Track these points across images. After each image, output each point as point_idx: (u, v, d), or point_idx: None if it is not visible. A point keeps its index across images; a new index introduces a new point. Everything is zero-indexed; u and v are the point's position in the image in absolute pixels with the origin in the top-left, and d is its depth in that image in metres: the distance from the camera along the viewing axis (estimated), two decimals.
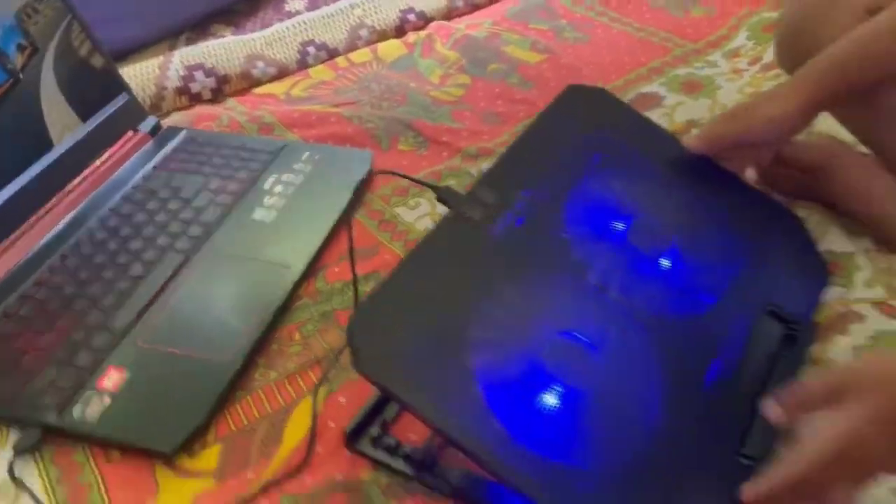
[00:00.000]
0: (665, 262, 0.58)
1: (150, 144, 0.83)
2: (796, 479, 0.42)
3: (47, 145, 0.74)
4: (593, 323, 0.53)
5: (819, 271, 0.62)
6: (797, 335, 0.56)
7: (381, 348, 0.46)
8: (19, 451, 0.54)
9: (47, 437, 0.55)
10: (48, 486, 0.53)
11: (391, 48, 1.02)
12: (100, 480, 0.53)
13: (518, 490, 0.44)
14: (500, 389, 0.48)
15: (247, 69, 0.96)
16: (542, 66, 0.95)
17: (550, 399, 0.48)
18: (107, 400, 0.56)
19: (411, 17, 1.06)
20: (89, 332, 0.61)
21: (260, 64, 0.97)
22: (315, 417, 0.55)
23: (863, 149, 0.67)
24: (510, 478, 0.44)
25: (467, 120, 0.87)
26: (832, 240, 0.64)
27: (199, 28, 1.02)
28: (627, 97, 0.87)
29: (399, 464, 0.52)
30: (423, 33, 1.04)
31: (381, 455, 0.52)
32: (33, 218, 0.72)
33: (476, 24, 1.05)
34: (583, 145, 0.62)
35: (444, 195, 0.56)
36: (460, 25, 1.05)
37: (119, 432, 0.54)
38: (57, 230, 0.72)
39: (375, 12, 1.05)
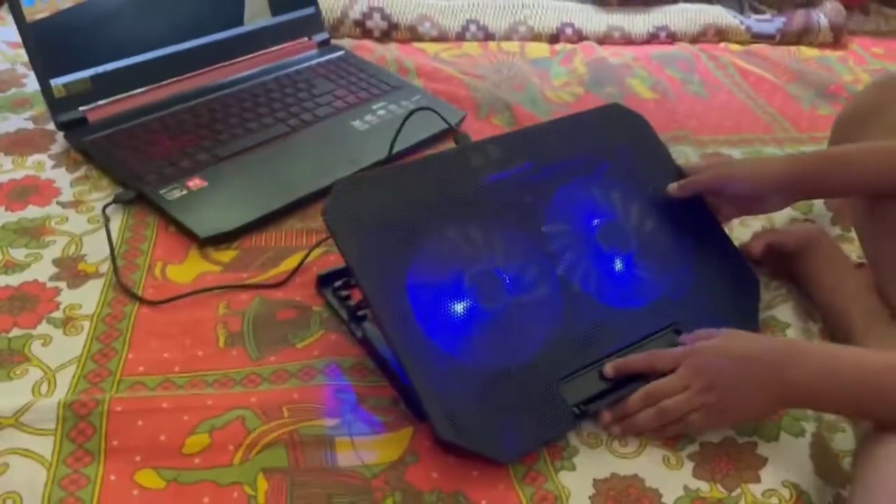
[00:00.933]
0: (617, 264, 0.69)
1: (314, 51, 1.04)
2: (654, 367, 0.58)
3: (239, 21, 0.97)
4: (525, 275, 0.64)
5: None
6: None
7: (347, 209, 0.61)
8: (117, 199, 0.76)
9: (139, 201, 0.77)
10: (122, 226, 0.74)
11: (538, 49, 1.17)
12: (154, 236, 0.74)
13: (398, 360, 0.56)
14: (423, 284, 0.60)
15: (415, 24, 1.15)
16: (649, 102, 1.05)
17: (459, 307, 0.61)
18: (185, 193, 0.77)
19: (569, 30, 1.20)
20: (199, 150, 0.83)
21: (427, 24, 1.16)
22: (304, 258, 0.72)
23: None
24: (395, 345, 0.56)
25: None
26: (782, 310, 0.70)
27: None
28: (704, 150, 0.95)
29: (341, 310, 0.67)
30: (571, 46, 1.18)
31: (331, 298, 0.68)
32: (209, 69, 0.95)
33: (619, 54, 1.17)
34: (599, 151, 0.73)
35: (458, 137, 0.70)
36: (605, 52, 1.17)
37: (179, 213, 0.75)
38: (220, 81, 0.95)
39: (539, 16, 1.20)
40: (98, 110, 0.86)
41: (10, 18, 1.05)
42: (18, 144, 0.84)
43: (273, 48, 1.01)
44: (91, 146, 0.82)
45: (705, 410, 0.56)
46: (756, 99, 1.09)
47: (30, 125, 0.87)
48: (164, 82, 0.91)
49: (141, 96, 0.89)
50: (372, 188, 0.63)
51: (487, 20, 1.18)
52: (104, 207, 0.75)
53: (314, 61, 1.02)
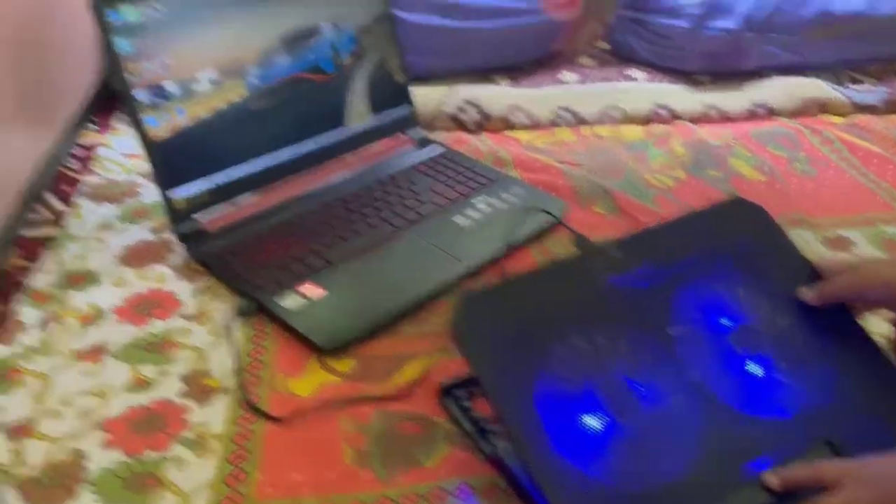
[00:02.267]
0: (753, 368, 0.65)
1: (411, 148, 1.06)
2: (821, 478, 0.53)
3: (340, 123, 1.00)
4: (658, 383, 0.61)
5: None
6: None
7: (473, 322, 0.60)
8: (238, 311, 0.78)
9: (258, 310, 0.78)
10: (244, 338, 0.75)
11: (632, 132, 1.16)
12: (274, 346, 0.74)
13: (534, 480, 0.54)
14: (554, 397, 0.58)
15: (507, 115, 1.16)
16: (758, 184, 1.02)
17: (593, 422, 0.59)
18: (302, 301, 0.78)
19: (663, 112, 1.19)
20: (311, 255, 0.84)
21: (519, 114, 1.17)
22: (427, 369, 0.71)
23: None
24: (531, 465, 0.54)
25: (665, 207, 0.98)
26: None
27: (484, 73, 1.24)
28: (825, 234, 0.91)
29: (465, 423, 0.66)
30: (666, 127, 1.16)
31: (455, 410, 0.67)
32: (314, 171, 0.98)
33: (717, 134, 1.15)
34: (722, 247, 0.71)
35: (580, 241, 0.69)
36: (702, 131, 1.15)
37: (299, 322, 0.76)
38: (325, 184, 0.97)
39: (632, 100, 1.19)
40: (215, 219, 0.88)
41: (124, 129, 1.12)
42: (140, 256, 0.87)
43: (374, 147, 1.04)
44: (210, 256, 0.84)
45: None
46: (867, 174, 1.05)
47: (150, 236, 0.90)
48: (274, 187, 0.94)
49: (253, 203, 0.92)
50: (496, 300, 0.62)
51: (579, 106, 1.18)
52: (226, 320, 0.77)
53: (413, 158, 1.03)
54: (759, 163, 1.07)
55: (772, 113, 1.20)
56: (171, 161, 0.85)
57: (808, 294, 0.66)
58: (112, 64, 0.80)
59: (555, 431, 0.58)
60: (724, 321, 0.67)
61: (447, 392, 0.68)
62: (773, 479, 0.56)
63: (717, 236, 0.72)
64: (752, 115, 1.19)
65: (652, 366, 0.63)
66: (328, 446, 0.64)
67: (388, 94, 1.05)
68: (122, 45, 0.80)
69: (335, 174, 0.99)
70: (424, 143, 1.07)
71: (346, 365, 0.73)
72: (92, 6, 0.78)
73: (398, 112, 1.06)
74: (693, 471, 0.57)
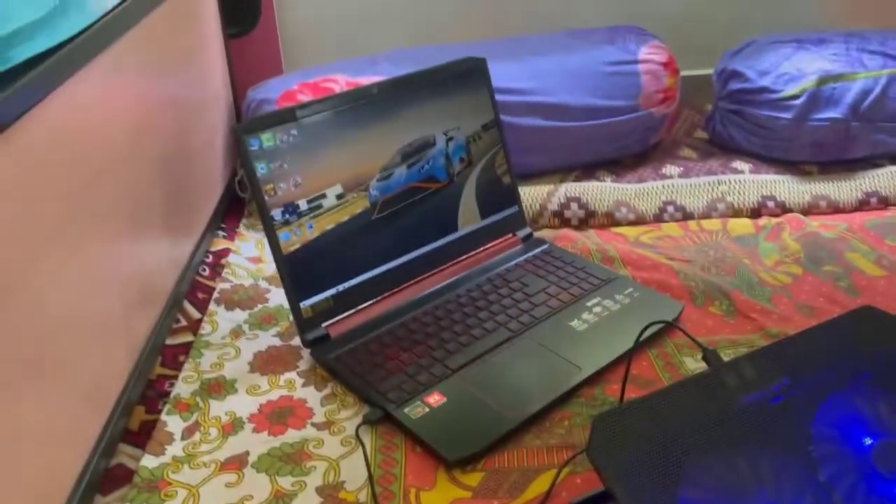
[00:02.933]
0: None
1: (520, 247, 1.09)
2: None
3: (453, 229, 1.04)
4: None
5: None
6: None
7: (611, 447, 0.60)
8: (366, 420, 0.80)
9: (384, 419, 0.81)
10: (373, 448, 0.78)
11: (741, 225, 1.15)
12: (403, 459, 0.76)
13: None
14: None
15: (611, 211, 1.18)
16: (879, 280, 0.99)
17: None
18: (427, 410, 0.80)
19: (770, 204, 1.18)
20: (432, 362, 0.87)
21: (623, 209, 1.18)
22: (553, 484, 0.71)
23: None
24: None
25: (783, 306, 0.96)
26: None
27: (587, 170, 1.27)
28: None
29: None
30: (775, 220, 1.15)
31: None
32: (429, 274, 1.01)
33: (830, 226, 1.13)
34: (858, 359, 0.69)
35: (708, 356, 0.69)
36: (814, 223, 1.14)
37: (426, 433, 0.77)
38: (439, 286, 1.00)
39: (738, 193, 1.19)
40: (338, 326, 0.92)
41: (249, 235, 1.19)
42: (270, 363, 0.91)
43: (485, 248, 1.07)
44: (335, 363, 0.88)
45: None
46: None
47: (277, 342, 0.95)
48: (391, 292, 0.98)
49: (372, 309, 0.96)
50: (630, 420, 0.62)
51: (684, 200, 1.19)
52: (357, 429, 0.79)
53: (521, 257, 1.06)
54: (877, 257, 1.04)
55: (886, 203, 1.17)
56: (300, 271, 0.90)
57: None
58: (251, 186, 0.87)
59: None
60: (866, 439, 0.65)
61: None
62: None
63: (852, 347, 0.70)
64: (863, 205, 1.17)
65: (795, 490, 0.61)
66: None
67: (497, 196, 1.08)
68: (259, 167, 0.87)
69: (449, 277, 1.02)
70: (531, 240, 1.10)
71: (474, 479, 0.74)
72: (233, 133, 0.85)
73: (507, 212, 1.09)
74: None
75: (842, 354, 0.70)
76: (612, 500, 0.64)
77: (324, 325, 0.92)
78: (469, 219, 1.06)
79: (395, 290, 0.98)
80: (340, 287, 0.94)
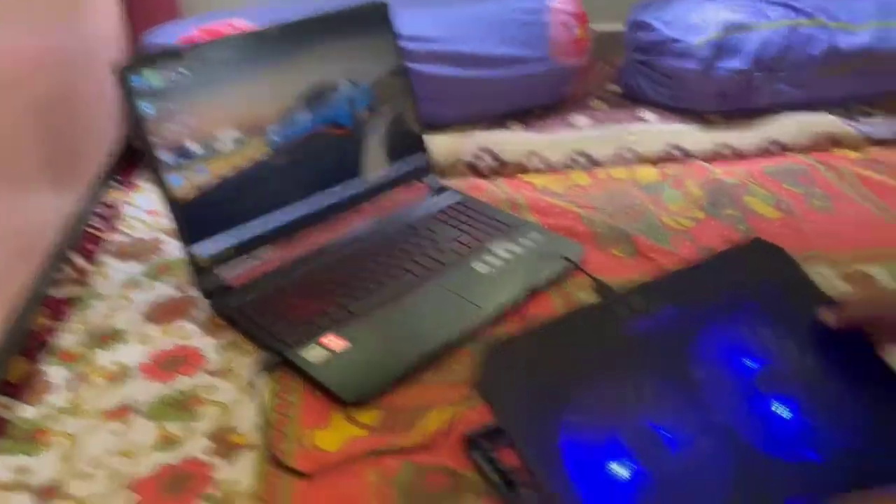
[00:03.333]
0: (781, 409, 0.64)
1: (429, 197, 1.07)
2: None
3: (357, 174, 1.02)
4: (684, 428, 0.61)
5: None
6: None
7: (497, 375, 0.60)
8: (262, 366, 0.78)
9: (282, 364, 0.78)
10: (269, 392, 0.76)
11: (648, 173, 1.17)
12: (300, 402, 0.75)
13: None
14: (580, 446, 0.58)
15: (523, 161, 1.17)
16: (775, 223, 1.02)
17: (620, 470, 0.58)
18: (325, 353, 0.78)
19: (676, 152, 1.20)
20: (334, 306, 0.85)
21: (535, 160, 1.18)
22: (452, 419, 0.71)
23: None
24: None
25: (683, 248, 0.98)
26: None
27: (498, 120, 1.26)
28: (844, 270, 0.91)
29: (492, 475, 0.65)
30: (680, 167, 1.17)
31: (481, 462, 0.66)
32: (334, 221, 0.99)
33: (731, 172, 1.15)
34: (744, 289, 0.70)
35: (599, 288, 0.69)
36: (717, 170, 1.16)
37: (325, 376, 0.76)
38: (345, 235, 0.98)
39: (645, 141, 1.20)
40: (237, 275, 0.89)
41: (147, 187, 1.14)
42: (166, 313, 0.88)
43: (390, 195, 1.05)
44: (233, 311, 0.85)
45: None
46: (885, 207, 1.05)
47: (174, 292, 0.92)
48: (295, 240, 0.95)
49: (275, 257, 0.93)
50: (519, 350, 0.62)
51: (592, 149, 1.19)
52: (249, 377, 0.77)
53: (431, 206, 1.05)
54: (774, 200, 1.07)
55: (784, 149, 1.20)
56: (194, 219, 0.86)
57: (828, 316, 0.66)
58: (136, 126, 0.83)
59: (583, 481, 0.57)
60: (748, 363, 0.67)
61: (472, 443, 0.68)
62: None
63: (738, 278, 0.71)
64: (764, 153, 1.20)
65: (677, 411, 0.62)
66: (356, 501, 0.64)
67: (404, 144, 1.06)
68: (145, 108, 0.82)
69: (354, 225, 1.00)
70: (441, 190, 1.08)
71: (371, 417, 0.73)
72: (116, 72, 0.81)
73: (414, 161, 1.08)
74: None
75: (730, 284, 0.71)
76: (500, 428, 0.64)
77: (222, 273, 0.89)
78: (375, 166, 1.04)
79: (298, 238, 0.96)
80: (239, 235, 0.90)
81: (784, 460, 0.61)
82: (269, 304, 0.86)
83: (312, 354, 0.78)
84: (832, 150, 1.21)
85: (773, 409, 0.64)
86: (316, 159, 0.97)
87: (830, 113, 1.25)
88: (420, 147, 1.08)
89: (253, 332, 0.83)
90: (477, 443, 0.68)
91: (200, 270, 0.87)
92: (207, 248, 0.87)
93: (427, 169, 1.09)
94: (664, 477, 0.58)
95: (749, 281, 0.71)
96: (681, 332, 0.66)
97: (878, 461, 0.62)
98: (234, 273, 0.89)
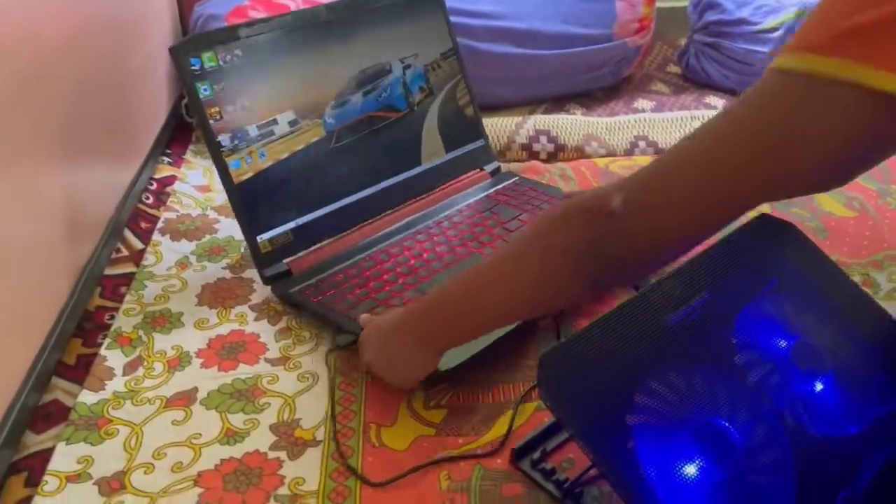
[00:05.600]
0: (818, 385, 0.62)
1: (489, 181, 1.03)
2: None
3: (416, 162, 0.98)
4: (741, 416, 0.58)
5: None
6: None
7: (562, 387, 0.57)
8: (336, 345, 0.76)
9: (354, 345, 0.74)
10: (331, 384, 0.73)
11: None
12: (363, 395, 0.72)
13: None
14: (650, 449, 0.56)
15: (581, 145, 1.13)
16: (847, 221, 0.97)
17: (691, 469, 0.56)
18: None
19: None
20: (403, 288, 0.82)
21: (594, 144, 1.14)
22: (511, 423, 0.68)
23: None
24: None
25: None
26: None
27: (557, 102, 1.22)
28: None
29: (549, 485, 0.63)
30: None
31: (533, 474, 0.64)
32: (395, 210, 0.95)
33: None
34: (764, 267, 0.67)
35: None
36: None
37: None
38: (407, 220, 0.94)
39: None
40: (299, 260, 0.86)
41: (197, 162, 1.12)
42: (220, 296, 0.86)
43: (451, 182, 1.01)
44: (297, 295, 0.82)
45: None
46: None
47: (227, 274, 0.89)
48: (355, 228, 0.92)
49: (335, 245, 0.89)
50: (575, 358, 0.59)
51: (656, 135, 1.15)
52: (326, 356, 0.76)
53: (491, 190, 1.01)
54: (848, 199, 1.02)
55: None
56: (253, 202, 0.84)
57: None
58: (194, 109, 0.80)
59: (658, 481, 0.55)
60: (781, 342, 0.64)
61: (521, 454, 0.66)
62: None
63: (757, 256, 0.68)
64: None
65: (733, 402, 0.60)
66: None
67: (462, 128, 1.03)
68: (203, 90, 0.80)
69: (416, 212, 0.96)
70: (498, 171, 1.05)
71: (438, 415, 0.70)
72: (172, 53, 0.78)
73: (473, 148, 1.04)
74: None
75: (751, 263, 0.68)
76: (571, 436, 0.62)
77: (285, 260, 0.85)
78: (433, 152, 1.00)
79: (360, 224, 0.92)
80: (300, 220, 0.87)
81: (831, 436, 0.59)
82: (335, 288, 0.83)
83: None
84: None
85: (813, 386, 0.62)
86: (372, 145, 0.94)
87: None
88: (478, 131, 1.04)
89: (320, 314, 0.79)
90: (525, 453, 0.66)
91: (262, 256, 0.84)
92: (267, 233, 0.85)
93: (486, 154, 1.05)
94: (734, 471, 0.56)
95: (767, 257, 0.69)
96: (718, 319, 0.63)
97: None
98: (294, 259, 0.86)
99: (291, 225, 0.86)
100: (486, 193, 1.00)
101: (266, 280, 0.84)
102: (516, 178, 1.03)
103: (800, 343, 0.64)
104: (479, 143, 1.05)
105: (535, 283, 0.59)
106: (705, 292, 0.64)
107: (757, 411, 0.59)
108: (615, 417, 0.57)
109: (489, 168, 1.05)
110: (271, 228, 0.85)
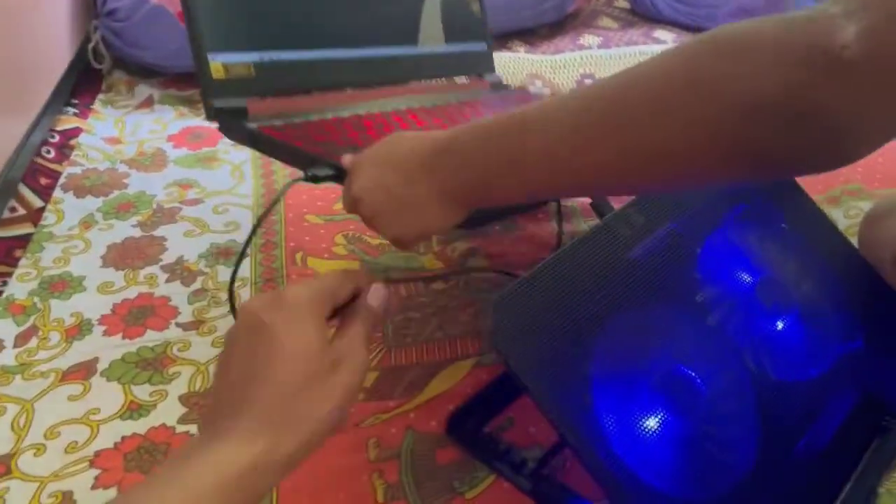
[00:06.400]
0: (780, 324, 0.59)
1: (487, 89, 0.93)
2: None
3: (412, 40, 0.87)
4: (706, 363, 0.54)
5: None
6: (891, 427, 0.55)
7: (515, 334, 0.52)
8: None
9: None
10: None
11: None
12: None
13: (608, 494, 0.47)
14: (610, 402, 0.51)
15: (525, 84, 1.06)
16: None
17: (652, 423, 0.51)
18: None
19: None
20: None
21: (538, 83, 1.07)
22: (455, 384, 0.63)
23: None
24: (604, 481, 0.47)
25: None
26: None
27: (499, 40, 1.15)
28: None
29: (494, 462, 0.57)
30: None
31: (476, 450, 0.58)
32: (379, 86, 0.83)
33: None
34: (732, 195, 0.63)
35: (597, 206, 0.60)
36: None
37: None
38: (390, 101, 0.82)
39: None
40: (260, 105, 0.71)
41: (107, 113, 1.02)
42: (128, 257, 0.78)
43: (444, 80, 0.92)
44: (257, 133, 0.68)
45: None
46: None
47: (137, 232, 0.81)
48: (333, 90, 0.79)
49: (307, 101, 0.76)
50: (531, 299, 0.53)
51: (602, 71, 1.08)
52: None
53: (490, 97, 0.92)
54: None
55: None
56: (212, 14, 0.69)
57: None
58: None
59: (617, 435, 0.50)
60: (745, 276, 0.61)
61: (457, 422, 0.60)
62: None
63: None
64: None
65: (696, 346, 0.56)
66: (355, 479, 0.56)
67: (463, 23, 0.93)
68: None
69: (403, 95, 0.85)
70: (501, 88, 0.95)
71: (367, 379, 0.64)
72: None
73: (473, 48, 0.94)
74: (761, 461, 0.51)
75: (717, 193, 0.64)
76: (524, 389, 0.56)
77: (244, 97, 0.70)
78: (431, 36, 0.89)
79: (338, 87, 0.79)
80: (267, 55, 0.73)
81: (793, 381, 0.56)
82: (304, 131, 0.71)
83: None
84: None
85: (775, 325, 0.59)
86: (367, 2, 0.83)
87: None
88: (481, 34, 0.94)
89: (289, 149, 0.66)
90: (462, 420, 0.60)
91: (212, 83, 0.68)
92: (226, 57, 0.70)
93: (487, 62, 0.95)
94: (695, 423, 0.52)
95: (736, 189, 0.65)
96: (682, 252, 0.59)
97: (877, 363, 0.59)
98: (252, 99, 0.71)
99: (255, 57, 0.72)
100: (484, 95, 0.91)
101: (213, 114, 0.68)
102: (521, 93, 0.94)
103: (766, 278, 0.60)
104: (482, 46, 0.94)
105: (666, 152, 0.38)
106: (670, 222, 0.60)
107: (719, 352, 0.56)
108: (572, 366, 0.51)
109: (490, 79, 0.95)
110: (229, 51, 0.70)
